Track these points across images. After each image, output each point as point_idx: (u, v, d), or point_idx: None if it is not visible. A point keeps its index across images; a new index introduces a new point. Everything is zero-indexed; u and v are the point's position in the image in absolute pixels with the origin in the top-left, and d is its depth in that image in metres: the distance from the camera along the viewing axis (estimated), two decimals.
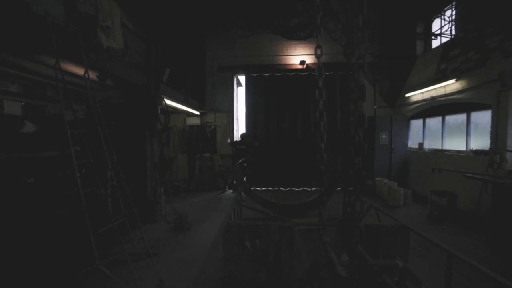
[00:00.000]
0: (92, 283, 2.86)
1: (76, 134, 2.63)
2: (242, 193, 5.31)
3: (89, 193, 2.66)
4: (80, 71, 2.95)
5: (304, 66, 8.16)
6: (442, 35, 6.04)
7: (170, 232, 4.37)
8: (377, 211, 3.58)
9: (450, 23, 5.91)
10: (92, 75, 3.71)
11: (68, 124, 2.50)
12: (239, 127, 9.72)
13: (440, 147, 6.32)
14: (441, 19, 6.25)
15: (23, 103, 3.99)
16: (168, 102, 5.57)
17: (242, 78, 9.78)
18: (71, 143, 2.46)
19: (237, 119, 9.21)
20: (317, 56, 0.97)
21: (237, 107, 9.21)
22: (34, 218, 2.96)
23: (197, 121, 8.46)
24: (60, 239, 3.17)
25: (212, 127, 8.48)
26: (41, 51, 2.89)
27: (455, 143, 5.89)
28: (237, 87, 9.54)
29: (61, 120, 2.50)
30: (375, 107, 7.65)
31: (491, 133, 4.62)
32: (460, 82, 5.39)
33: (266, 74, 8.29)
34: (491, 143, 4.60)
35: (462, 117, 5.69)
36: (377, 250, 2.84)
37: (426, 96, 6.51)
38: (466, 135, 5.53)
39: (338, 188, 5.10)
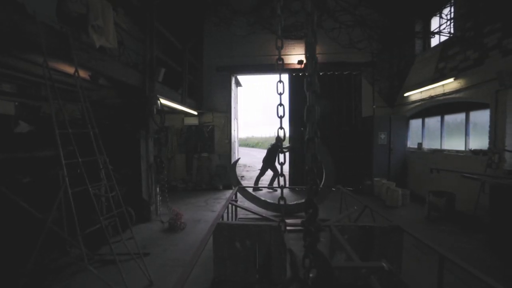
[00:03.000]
0: (82, 283, 2.84)
1: (68, 134, 2.62)
2: (238, 193, 5.28)
3: (81, 193, 2.65)
4: (73, 70, 2.94)
5: (302, 66, 8.13)
6: (441, 33, 5.96)
7: (164, 232, 4.36)
8: (372, 211, 3.54)
9: (449, 21, 5.84)
10: (85, 74, 3.71)
11: (56, 124, 2.49)
12: (238, 127, 9.70)
13: (439, 147, 6.25)
14: (439, 17, 6.17)
15: (16, 103, 4.00)
16: (164, 102, 5.56)
17: (241, 78, 9.80)
18: (59, 142, 2.45)
19: (235, 119, 9.19)
20: (277, 47, 0.95)
21: (235, 107, 9.18)
22: (25, 217, 2.95)
23: (195, 121, 8.46)
24: (52, 239, 3.16)
25: (210, 127, 8.47)
26: (32, 51, 2.89)
27: (454, 143, 5.81)
28: (236, 87, 9.53)
29: (50, 119, 2.50)
30: (374, 106, 7.59)
31: (490, 132, 4.55)
32: (458, 81, 5.32)
33: (300, 74, 8.26)
34: (490, 143, 4.54)
35: (461, 116, 5.62)
36: (369, 251, 2.80)
37: (425, 95, 6.44)
38: (465, 135, 5.46)
39: (334, 188, 5.08)
